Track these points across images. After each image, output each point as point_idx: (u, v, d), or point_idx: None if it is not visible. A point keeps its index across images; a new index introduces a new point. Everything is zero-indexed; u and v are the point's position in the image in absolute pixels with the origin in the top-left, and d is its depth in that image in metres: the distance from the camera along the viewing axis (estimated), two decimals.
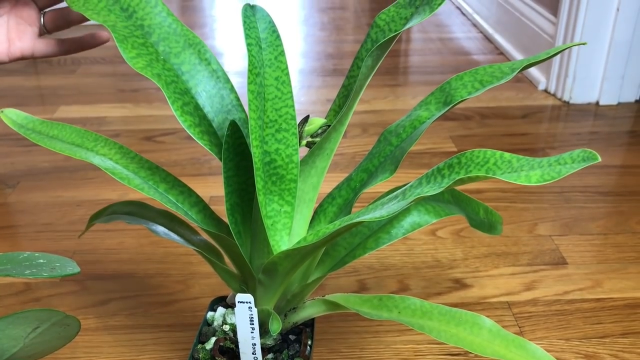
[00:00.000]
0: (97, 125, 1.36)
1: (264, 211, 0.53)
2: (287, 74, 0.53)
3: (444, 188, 0.43)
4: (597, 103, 1.47)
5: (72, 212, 1.02)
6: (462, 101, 0.56)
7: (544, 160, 0.43)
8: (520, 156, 0.44)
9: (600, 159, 0.42)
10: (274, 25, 0.54)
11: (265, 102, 0.52)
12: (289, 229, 0.56)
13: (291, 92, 0.54)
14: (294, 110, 0.53)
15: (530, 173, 0.42)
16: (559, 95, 1.49)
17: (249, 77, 0.50)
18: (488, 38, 1.96)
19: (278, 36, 0.53)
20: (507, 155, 0.44)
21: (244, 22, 0.51)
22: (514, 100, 1.49)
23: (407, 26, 0.52)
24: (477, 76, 0.56)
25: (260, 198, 0.52)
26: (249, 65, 0.50)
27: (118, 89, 1.58)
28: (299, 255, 0.52)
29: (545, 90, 1.54)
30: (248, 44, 0.51)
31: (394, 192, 0.51)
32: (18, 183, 1.12)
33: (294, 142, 0.54)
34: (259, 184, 0.52)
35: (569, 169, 0.41)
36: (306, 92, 1.58)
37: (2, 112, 0.61)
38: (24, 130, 0.61)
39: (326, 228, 0.51)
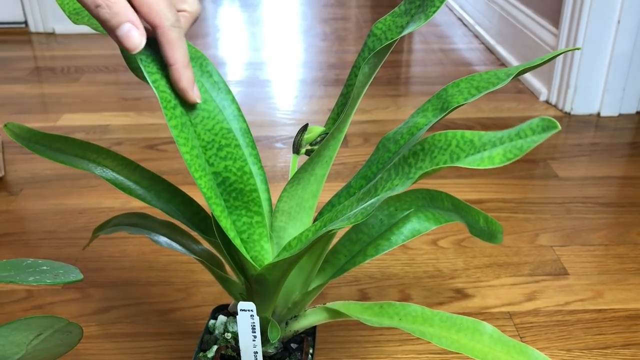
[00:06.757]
0: (100, 134, 1.36)
1: (231, 234, 0.53)
2: (207, 91, 0.51)
3: (412, 181, 0.43)
4: (598, 114, 1.47)
5: (75, 219, 1.03)
6: (458, 107, 0.56)
7: (504, 134, 0.42)
8: (482, 132, 0.43)
9: (560, 127, 0.41)
10: None
11: (195, 128, 0.50)
12: (266, 236, 0.56)
13: (218, 107, 0.52)
14: (227, 124, 0.52)
15: (492, 153, 0.41)
16: (560, 106, 1.50)
17: (166, 115, 0.47)
18: (489, 49, 1.96)
19: None
20: (467, 134, 0.44)
21: (141, 59, 0.47)
22: (515, 111, 1.49)
23: (403, 34, 0.52)
24: (473, 82, 0.56)
25: (222, 223, 0.52)
26: (161, 102, 0.47)
27: (121, 98, 1.58)
28: (286, 263, 0.52)
29: (547, 102, 1.54)
30: (153, 81, 0.47)
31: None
32: (21, 190, 1.12)
33: (239, 154, 0.53)
34: (216, 212, 0.51)
35: (530, 142, 0.41)
36: (308, 101, 1.59)
37: (5, 125, 0.62)
38: (27, 143, 0.61)
39: (308, 231, 0.51)
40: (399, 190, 0.44)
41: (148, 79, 0.46)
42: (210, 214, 0.55)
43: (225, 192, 0.53)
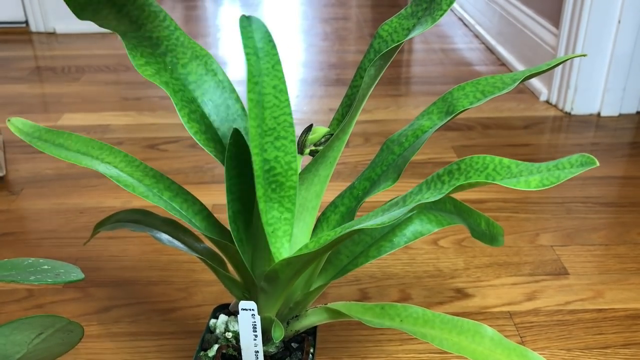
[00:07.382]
0: (101, 133, 1.36)
1: (264, 218, 0.53)
2: (284, 82, 0.53)
3: (444, 194, 0.44)
4: (599, 114, 1.47)
5: (76, 219, 1.03)
6: (463, 111, 0.56)
7: (542, 165, 0.43)
8: (519, 161, 0.44)
9: (598, 164, 0.42)
10: (269, 35, 0.54)
11: (264, 111, 0.52)
12: (289, 235, 0.56)
13: (288, 100, 0.53)
14: (291, 117, 0.53)
15: (529, 178, 0.42)
16: (560, 106, 1.50)
17: (248, 86, 0.50)
18: (490, 49, 1.97)
19: (274, 45, 0.53)
20: (506, 160, 0.45)
21: (242, 33, 0.51)
22: (515, 110, 1.49)
23: (409, 37, 0.52)
24: (479, 86, 0.56)
25: (261, 205, 0.52)
26: (247, 74, 0.50)
27: (122, 97, 1.59)
28: (300, 262, 0.52)
29: (547, 102, 1.54)
30: (247, 54, 0.51)
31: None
32: (22, 190, 1.12)
33: (292, 149, 0.54)
34: (259, 192, 0.52)
35: (568, 174, 0.42)
36: (309, 101, 1.59)
37: (9, 120, 0.62)
38: (30, 138, 0.61)
39: (327, 235, 0.51)
40: (430, 200, 0.45)
41: (244, 50, 0.50)
42: (226, 214, 0.56)
43: (266, 182, 0.54)
